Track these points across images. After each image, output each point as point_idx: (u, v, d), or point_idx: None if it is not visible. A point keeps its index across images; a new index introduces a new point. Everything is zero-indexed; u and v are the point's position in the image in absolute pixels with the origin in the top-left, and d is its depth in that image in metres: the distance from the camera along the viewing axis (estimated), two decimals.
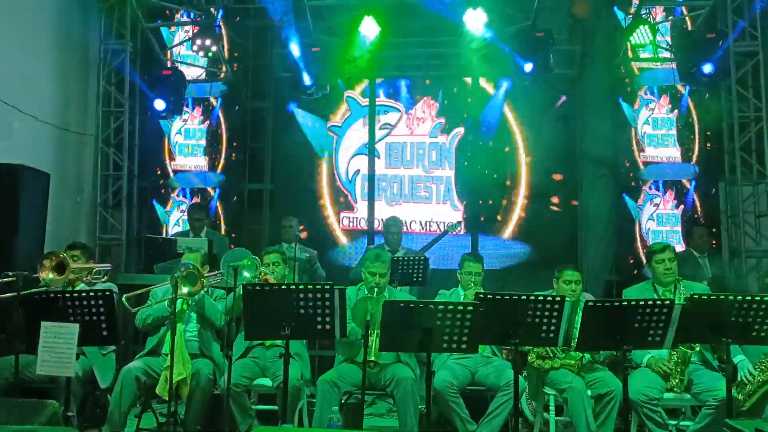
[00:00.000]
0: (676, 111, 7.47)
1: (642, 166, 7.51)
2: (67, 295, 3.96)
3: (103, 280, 4.80)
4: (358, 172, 8.11)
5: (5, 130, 6.28)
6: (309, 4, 7.31)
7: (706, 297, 3.91)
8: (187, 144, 8.11)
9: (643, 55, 7.48)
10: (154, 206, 8.04)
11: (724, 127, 7.28)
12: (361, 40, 7.08)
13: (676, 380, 4.25)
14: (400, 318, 3.65)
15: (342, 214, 8.06)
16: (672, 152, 7.48)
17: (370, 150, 8.03)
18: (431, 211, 7.96)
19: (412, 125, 8.08)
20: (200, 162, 8.06)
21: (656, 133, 7.53)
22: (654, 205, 7.44)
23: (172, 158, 8.09)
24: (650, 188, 7.47)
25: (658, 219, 7.43)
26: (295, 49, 7.17)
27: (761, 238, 7.18)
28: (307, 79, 7.33)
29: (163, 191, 8.09)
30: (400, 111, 8.10)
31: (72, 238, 6.43)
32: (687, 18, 7.32)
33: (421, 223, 7.93)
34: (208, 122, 8.09)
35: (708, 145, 7.40)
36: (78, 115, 7.66)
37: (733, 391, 3.98)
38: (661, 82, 7.51)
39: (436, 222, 7.87)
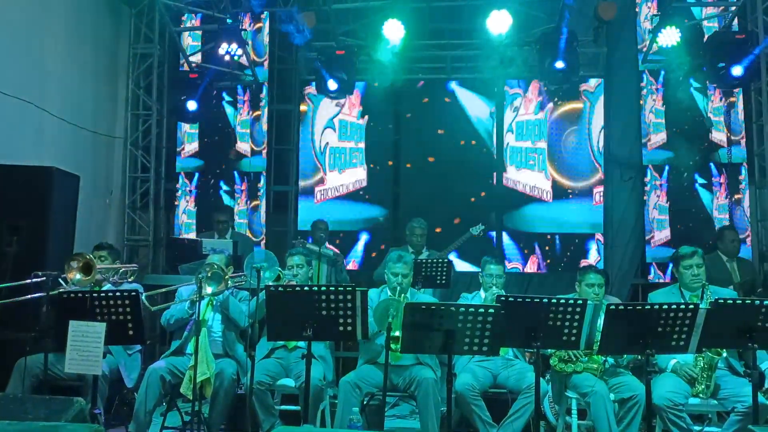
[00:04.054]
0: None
1: None
2: (94, 295, 4.03)
3: (130, 280, 4.88)
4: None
5: (37, 132, 6.42)
6: (334, 8, 7.36)
7: (731, 301, 3.85)
8: None
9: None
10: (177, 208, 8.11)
11: (754, 129, 7.15)
12: (386, 42, 7.09)
13: (703, 386, 4.18)
14: (422, 320, 3.65)
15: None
16: None
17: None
18: None
19: None
20: None
21: None
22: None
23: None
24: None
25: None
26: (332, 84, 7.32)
27: None
28: (332, 85, 7.36)
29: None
30: None
31: (100, 239, 6.53)
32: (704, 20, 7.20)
33: None
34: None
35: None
36: (107, 118, 7.81)
37: (761, 397, 3.91)
38: None
39: None
